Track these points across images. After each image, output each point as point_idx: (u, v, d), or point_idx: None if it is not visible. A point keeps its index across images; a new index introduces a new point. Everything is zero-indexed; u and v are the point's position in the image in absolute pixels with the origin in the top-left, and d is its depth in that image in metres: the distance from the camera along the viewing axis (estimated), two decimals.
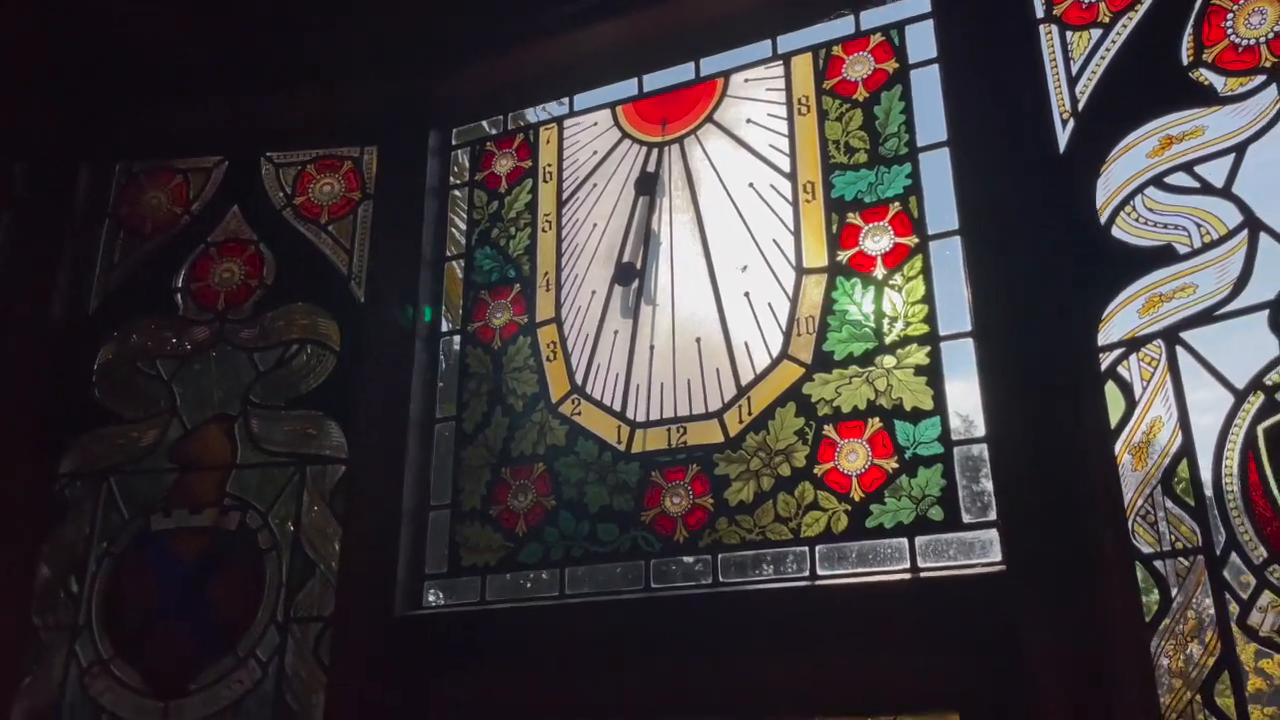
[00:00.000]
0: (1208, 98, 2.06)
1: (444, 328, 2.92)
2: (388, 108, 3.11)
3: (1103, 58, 2.25)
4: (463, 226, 3.05)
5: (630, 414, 2.57)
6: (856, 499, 2.26)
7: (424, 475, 2.76)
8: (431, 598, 2.64)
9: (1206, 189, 2.03)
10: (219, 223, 3.15)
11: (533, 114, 3.20)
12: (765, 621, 2.22)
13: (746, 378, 2.47)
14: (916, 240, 2.39)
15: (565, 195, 2.89)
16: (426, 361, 2.87)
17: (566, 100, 2.98)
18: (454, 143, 3.13)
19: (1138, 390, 2.01)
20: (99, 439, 2.93)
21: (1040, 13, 2.39)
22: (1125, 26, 2.23)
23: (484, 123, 3.16)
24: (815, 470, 2.32)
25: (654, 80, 2.88)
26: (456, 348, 2.90)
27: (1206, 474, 1.89)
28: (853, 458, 2.30)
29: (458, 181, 3.11)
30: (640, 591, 2.39)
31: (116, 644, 2.72)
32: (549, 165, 2.94)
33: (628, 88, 2.91)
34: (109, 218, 3.21)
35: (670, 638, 2.28)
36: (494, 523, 2.62)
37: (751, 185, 2.64)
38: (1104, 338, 2.09)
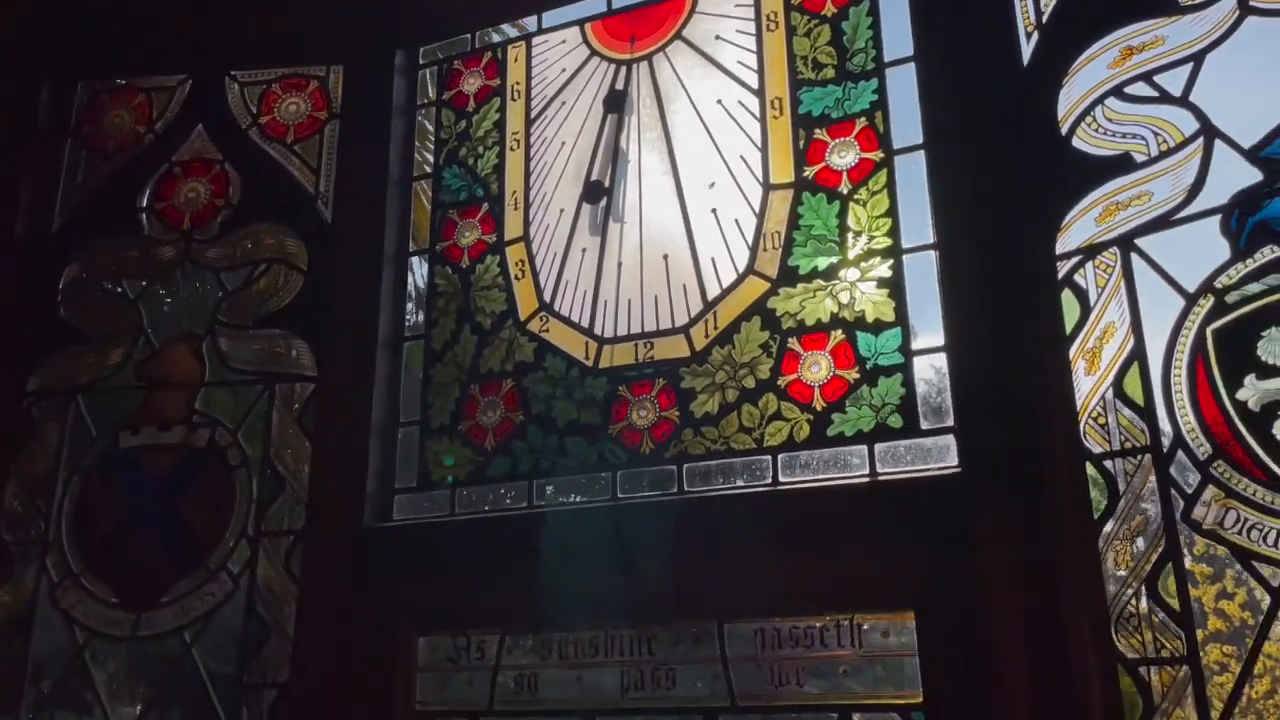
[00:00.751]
0: (1168, 7, 2.08)
1: (411, 247, 2.91)
2: (354, 26, 3.07)
3: None
4: (430, 146, 3.03)
5: (598, 330, 2.59)
6: (819, 408, 2.30)
7: (393, 392, 2.78)
8: (401, 512, 2.66)
9: (1165, 98, 2.05)
10: (183, 142, 3.11)
11: (500, 32, 3.16)
12: (728, 527, 2.26)
13: (713, 293, 2.49)
14: (882, 155, 2.41)
15: (533, 114, 2.87)
16: (394, 281, 2.87)
17: (535, 18, 2.96)
18: (421, 62, 3.10)
19: (1093, 297, 2.05)
20: (66, 358, 2.92)
21: None
22: None
23: (452, 41, 3.12)
24: (779, 382, 2.36)
25: None
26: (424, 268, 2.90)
27: (1156, 376, 1.94)
28: (815, 369, 2.33)
29: (425, 101, 3.08)
30: (607, 501, 2.43)
31: (87, 559, 2.73)
32: (517, 84, 2.92)
33: (596, 4, 2.89)
34: (71, 137, 3.17)
35: (636, 544, 2.32)
36: (463, 438, 2.64)
37: (720, 102, 2.64)
38: (1061, 246, 2.12)
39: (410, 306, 2.92)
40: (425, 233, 2.93)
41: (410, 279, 2.94)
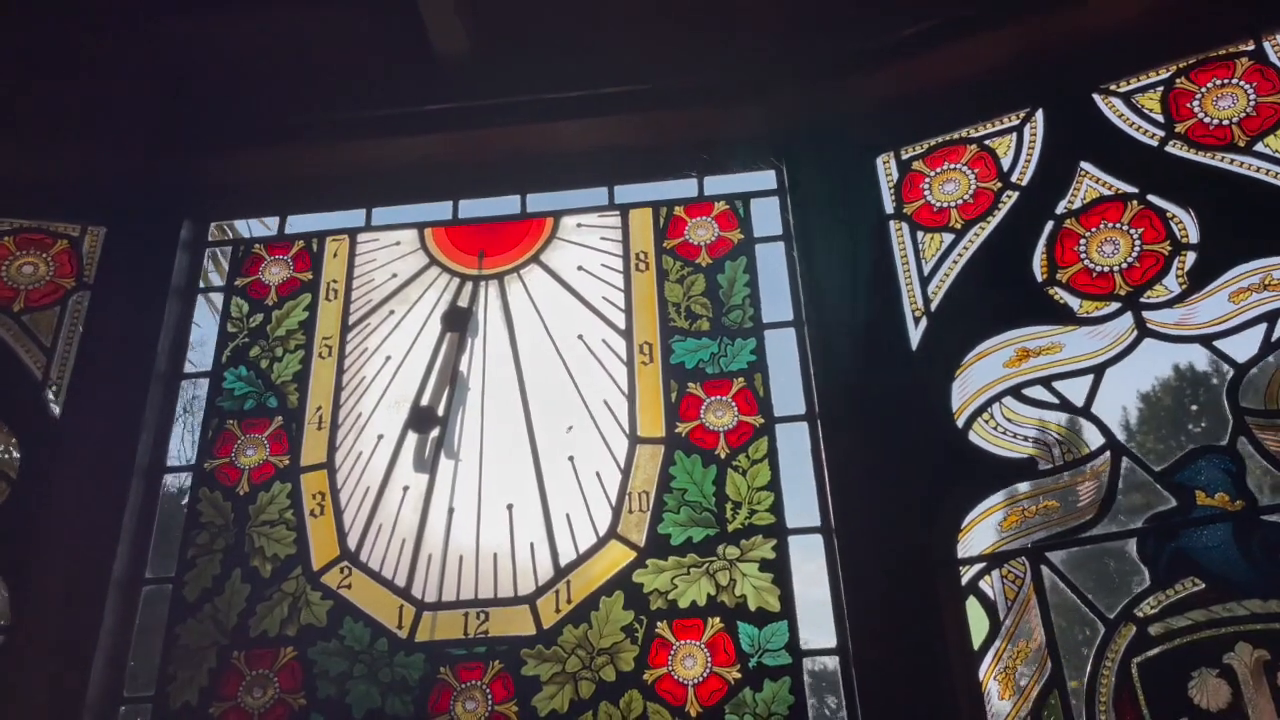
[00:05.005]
0: (1064, 316, 2.09)
1: (174, 461, 2.31)
2: (132, 183, 2.54)
3: (955, 262, 2.25)
4: (211, 338, 2.49)
5: (417, 591, 2.12)
6: (693, 714, 1.94)
7: (120, 655, 2.10)
8: None
9: (1066, 406, 2.03)
10: None
11: (319, 220, 2.73)
12: None
13: (567, 557, 2.12)
14: (762, 421, 2.22)
15: (352, 319, 2.45)
16: (142, 503, 2.24)
17: (363, 211, 2.59)
18: (211, 238, 2.60)
19: (1002, 610, 1.91)
20: None
21: (890, 209, 2.37)
22: (977, 236, 2.25)
23: (254, 221, 2.67)
24: (645, 676, 1.99)
25: (473, 207, 2.58)
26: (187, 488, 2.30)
27: (1080, 711, 1.78)
28: (689, 663, 1.99)
29: (209, 284, 2.56)
30: None
31: None
32: (335, 281, 2.49)
33: (440, 210, 2.58)
34: None
35: None
36: None
37: (581, 338, 2.37)
38: (964, 549, 1.99)
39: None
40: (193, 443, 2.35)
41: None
